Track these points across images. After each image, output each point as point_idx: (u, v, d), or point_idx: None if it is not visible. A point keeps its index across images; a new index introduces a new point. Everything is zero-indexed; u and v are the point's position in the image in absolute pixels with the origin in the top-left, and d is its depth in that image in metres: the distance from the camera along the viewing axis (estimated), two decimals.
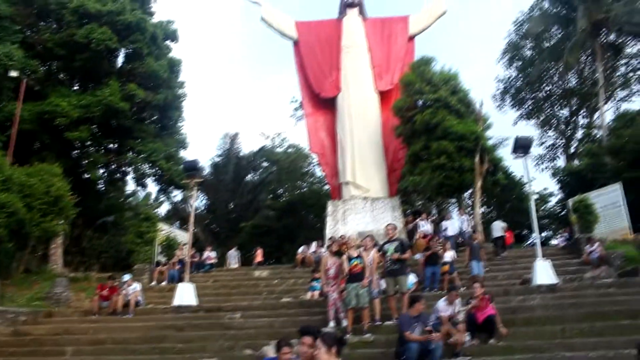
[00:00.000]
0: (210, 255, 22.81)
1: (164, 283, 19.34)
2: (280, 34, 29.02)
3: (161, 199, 39.04)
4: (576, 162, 32.22)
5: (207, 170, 37.63)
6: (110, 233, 24.76)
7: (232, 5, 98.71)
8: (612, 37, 31.47)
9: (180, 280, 17.20)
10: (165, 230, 24.40)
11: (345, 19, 28.57)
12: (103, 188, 27.17)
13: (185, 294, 15.40)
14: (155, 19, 26.27)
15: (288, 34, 28.93)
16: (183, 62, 27.29)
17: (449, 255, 15.50)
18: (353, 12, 28.65)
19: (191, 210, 18.86)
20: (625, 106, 34.13)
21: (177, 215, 38.41)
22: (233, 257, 25.05)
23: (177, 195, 36.30)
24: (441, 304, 10.17)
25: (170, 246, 22.86)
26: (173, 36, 26.85)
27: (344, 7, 28.89)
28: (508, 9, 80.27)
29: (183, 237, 24.58)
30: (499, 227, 20.76)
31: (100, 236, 24.31)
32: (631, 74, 34.37)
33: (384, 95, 27.35)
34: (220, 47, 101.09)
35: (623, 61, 34.12)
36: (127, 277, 16.05)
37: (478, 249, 15.58)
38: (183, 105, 27.58)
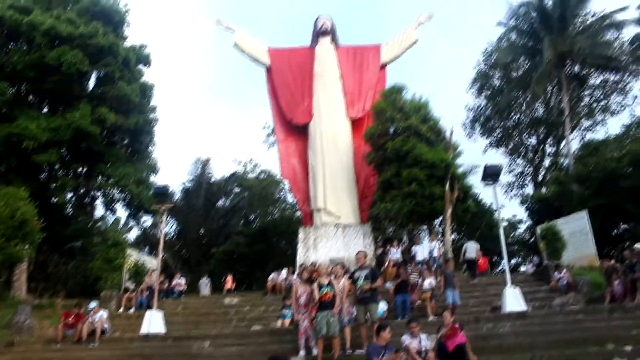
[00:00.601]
0: (179, 281, 22.45)
1: (131, 310, 18.93)
2: (253, 60, 29.14)
3: (131, 224, 38.47)
4: (544, 189, 32.80)
5: (178, 195, 37.33)
6: (78, 259, 24.24)
7: (205, 30, 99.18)
8: (576, 68, 32.39)
9: (149, 307, 16.89)
10: (134, 256, 24.00)
11: (317, 46, 28.86)
12: (71, 212, 26.70)
13: (154, 322, 15.11)
14: (128, 43, 26.20)
15: (261, 61, 29.07)
16: (155, 87, 27.22)
17: (428, 282, 15.48)
18: (325, 40, 28.97)
19: (161, 236, 18.61)
20: (590, 135, 35.08)
21: (147, 241, 37.84)
22: (205, 285, 24.75)
23: (147, 220, 35.86)
24: (405, 336, 10.12)
25: (139, 272, 22.45)
26: (146, 60, 26.74)
27: (317, 35, 29.20)
28: (478, 37, 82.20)
29: (152, 263, 24.20)
30: (473, 249, 20.95)
31: (66, 262, 23.76)
32: (595, 105, 35.31)
33: (355, 123, 27.57)
34: (193, 72, 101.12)
35: (587, 92, 35.08)
36: (93, 304, 15.71)
37: (452, 277, 15.55)
38: (154, 130, 27.41)
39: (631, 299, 13.36)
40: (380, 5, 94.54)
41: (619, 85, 33.99)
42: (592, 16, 32.37)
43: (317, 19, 29.55)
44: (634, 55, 32.35)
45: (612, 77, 33.71)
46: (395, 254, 20.59)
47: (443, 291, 15.35)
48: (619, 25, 30.59)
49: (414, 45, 29.06)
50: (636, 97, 33.67)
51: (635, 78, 33.33)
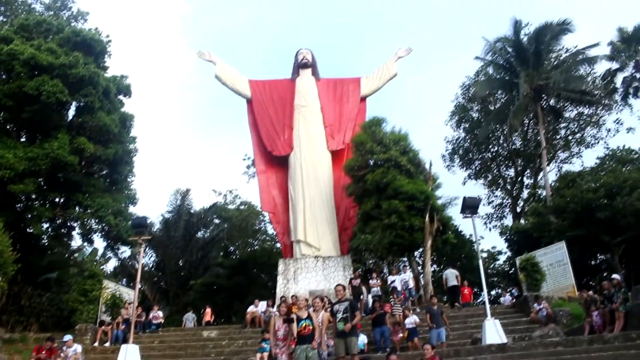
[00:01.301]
0: (157, 314, 22.05)
1: (107, 344, 18.57)
2: (234, 91, 29.29)
3: (108, 256, 37.89)
4: (523, 221, 33.07)
5: (157, 226, 36.91)
6: (53, 290, 23.73)
7: (187, 62, 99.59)
8: (552, 101, 33.07)
9: (125, 341, 16.56)
10: (111, 287, 23.57)
11: (298, 79, 29.12)
12: (47, 243, 26.22)
13: (130, 356, 14.76)
14: (109, 73, 26.21)
15: (242, 92, 29.23)
16: (135, 117, 27.17)
17: (411, 320, 15.30)
18: (306, 73, 29.27)
19: (138, 268, 18.33)
20: (566, 167, 35.65)
21: (125, 272, 37.20)
22: (190, 321, 24.40)
23: (125, 251, 35.34)
24: None
25: (115, 305, 21.99)
26: (126, 91, 26.74)
27: (298, 68, 29.51)
28: (457, 71, 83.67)
29: (130, 294, 23.76)
30: (453, 276, 20.96)
31: (41, 294, 23.21)
32: (571, 137, 35.99)
33: (336, 155, 27.73)
34: (174, 102, 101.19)
35: (563, 124, 35.78)
36: (67, 337, 15.34)
37: (439, 315, 15.23)
38: (134, 161, 27.30)
39: (610, 330, 13.42)
40: (360, 38, 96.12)
41: (593, 119, 34.81)
42: (566, 52, 33.36)
43: (297, 52, 29.92)
44: (606, 89, 33.25)
45: (586, 111, 34.51)
46: (375, 289, 20.56)
47: (429, 329, 15.09)
48: (592, 61, 31.44)
49: (393, 79, 29.49)
50: (609, 130, 34.45)
51: (608, 112, 34.21)
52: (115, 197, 25.34)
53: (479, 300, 29.18)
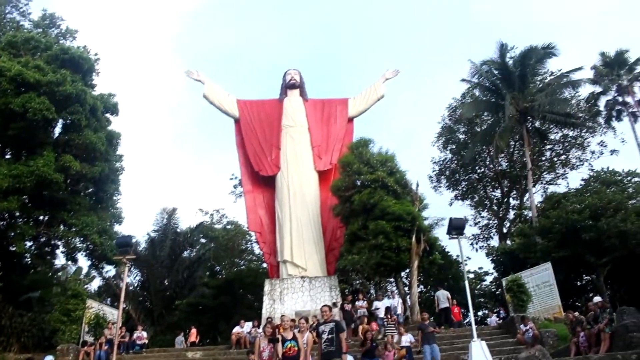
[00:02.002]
0: (141, 334, 21.78)
1: None
2: (222, 111, 29.35)
3: (93, 275, 37.44)
4: (509, 241, 33.18)
5: (142, 245, 36.59)
6: (34, 310, 23.32)
7: (176, 81, 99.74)
8: (537, 124, 33.43)
9: None
10: (94, 307, 23.25)
11: (286, 99, 29.25)
12: (29, 261, 25.86)
13: None
14: (96, 91, 26.14)
15: (230, 112, 29.29)
16: (122, 136, 27.07)
17: (406, 339, 15.20)
18: (294, 93, 29.42)
19: (122, 288, 18.12)
20: (552, 188, 35.92)
21: (110, 292, 36.75)
22: (179, 343, 24.15)
23: (109, 270, 34.95)
24: None
25: (99, 325, 21.68)
26: (113, 109, 26.66)
27: (286, 88, 29.64)
28: (445, 93, 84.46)
29: (114, 314, 23.44)
30: (444, 297, 20.96)
31: (22, 313, 22.79)
32: (556, 159, 36.34)
33: (323, 175, 27.76)
34: (162, 122, 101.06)
35: (548, 146, 36.15)
36: (48, 358, 15.11)
37: (430, 331, 15.19)
38: (120, 179, 27.15)
39: (595, 351, 13.45)
40: (348, 59, 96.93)
41: (578, 141, 35.20)
42: (551, 75, 33.86)
43: (285, 73, 30.08)
44: (590, 112, 33.74)
45: (571, 133, 34.91)
46: (361, 310, 20.54)
47: (421, 346, 14.97)
48: (575, 84, 31.97)
49: (380, 100, 29.70)
50: (594, 152, 34.85)
51: (592, 134, 34.64)
52: (100, 215, 25.14)
53: (465, 321, 29.09)
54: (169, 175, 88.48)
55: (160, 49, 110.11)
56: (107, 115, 26.56)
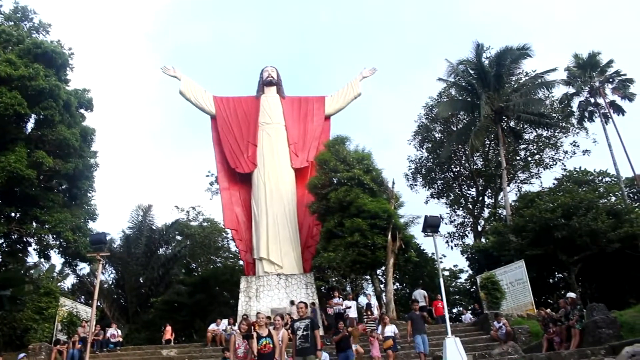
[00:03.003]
0: (115, 332, 21.56)
1: None
2: (199, 108, 29.19)
3: (66, 272, 36.92)
4: (483, 239, 33.52)
5: (117, 242, 36.19)
6: (6, 309, 22.95)
7: (152, 78, 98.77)
8: (512, 123, 33.81)
9: None
10: (68, 305, 22.96)
11: (263, 96, 29.17)
12: (1, 259, 25.46)
13: None
14: (70, 87, 25.79)
15: (206, 109, 29.12)
16: (97, 132, 26.77)
17: (390, 329, 15.22)
18: (271, 91, 29.36)
19: (96, 285, 17.91)
20: (526, 187, 36.36)
21: (84, 289, 36.27)
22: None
23: (84, 268, 34.51)
24: None
25: (72, 323, 21.44)
26: (88, 105, 26.37)
27: (263, 86, 29.57)
28: (422, 92, 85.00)
29: (88, 312, 23.18)
30: (421, 296, 21.09)
31: None
32: (530, 158, 36.78)
33: (299, 172, 27.76)
34: (138, 119, 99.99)
35: (523, 146, 36.56)
36: (20, 357, 14.87)
37: (421, 320, 15.24)
38: (94, 175, 26.89)
39: (566, 346, 13.68)
40: (326, 58, 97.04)
41: (551, 141, 35.66)
42: (526, 75, 34.24)
43: (263, 70, 30.01)
44: (563, 113, 34.24)
45: (545, 133, 35.38)
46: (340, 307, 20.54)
47: (413, 336, 14.87)
48: (549, 85, 32.38)
49: (357, 98, 29.81)
50: (567, 152, 35.37)
51: (565, 134, 35.14)
52: (74, 212, 24.85)
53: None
54: (144, 172, 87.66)
55: (136, 44, 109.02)
56: (82, 110, 26.29)
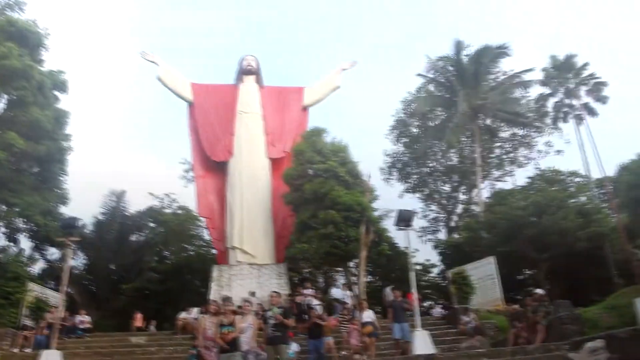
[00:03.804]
0: (84, 319, 21.32)
1: (28, 350, 17.71)
2: (176, 94, 28.91)
3: (36, 257, 36.33)
4: (456, 235, 33.88)
5: (89, 228, 35.72)
6: None
7: (130, 63, 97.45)
8: (488, 121, 34.16)
9: (48, 346, 15.89)
10: (36, 290, 22.60)
11: (241, 85, 29.02)
12: None
13: None
14: (45, 67, 25.28)
15: (183, 95, 28.85)
16: (72, 115, 26.31)
17: (368, 315, 15.26)
18: (250, 79, 29.20)
19: (65, 270, 17.70)
20: (499, 185, 36.78)
21: (53, 275, 35.71)
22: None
23: (54, 253, 34.00)
24: None
25: (40, 308, 21.10)
26: (62, 87, 25.86)
27: (241, 74, 29.39)
28: (401, 86, 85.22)
29: (57, 298, 22.85)
30: (391, 294, 21.25)
31: None
32: (504, 156, 37.22)
33: (276, 163, 27.72)
34: (113, 103, 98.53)
35: (498, 144, 36.96)
36: None
37: (401, 309, 15.33)
38: (67, 159, 26.36)
39: (532, 341, 13.94)
40: (306, 48, 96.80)
41: (526, 140, 36.13)
42: (503, 74, 34.54)
43: (242, 58, 29.82)
44: (538, 112, 34.71)
45: (520, 132, 35.82)
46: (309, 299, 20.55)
47: (391, 322, 15.02)
48: (526, 85, 32.85)
49: (335, 91, 29.81)
50: (540, 151, 35.87)
51: (539, 134, 35.63)
52: (45, 195, 24.45)
53: (410, 313, 29.55)
54: (119, 158, 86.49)
55: (114, 28, 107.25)
56: (56, 92, 25.75)
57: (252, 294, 21.59)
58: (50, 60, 26.97)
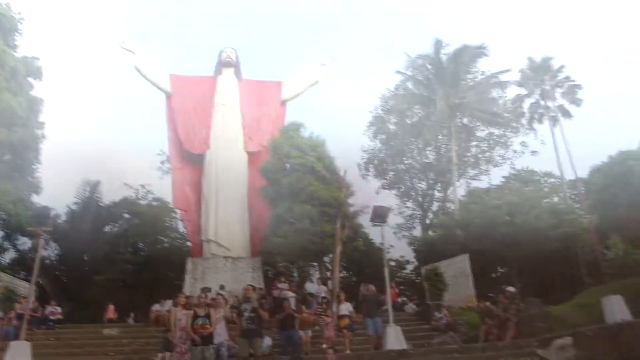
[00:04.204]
0: (54, 309, 21.00)
1: None
2: (154, 84, 28.58)
3: (6, 246, 35.70)
4: (431, 232, 34.13)
5: (62, 217, 35.20)
6: None
7: (107, 52, 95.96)
8: (465, 120, 34.44)
9: (16, 337, 15.62)
10: (6, 280, 22.23)
11: (220, 77, 28.83)
12: None
13: (19, 355, 13.90)
14: (19, 53, 24.82)
15: (161, 86, 28.54)
16: (46, 102, 25.88)
17: (345, 307, 15.27)
18: (229, 72, 29.01)
19: (36, 260, 17.40)
20: (474, 184, 37.12)
21: (24, 265, 35.14)
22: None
23: (25, 242, 33.44)
24: None
25: (9, 299, 20.76)
26: (37, 73, 25.46)
27: (220, 66, 29.19)
28: (380, 82, 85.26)
29: (27, 288, 22.49)
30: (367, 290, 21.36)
31: None
32: (480, 155, 37.56)
33: (253, 156, 27.57)
34: (89, 92, 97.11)
35: (474, 143, 37.28)
36: None
37: (375, 303, 15.37)
38: (40, 147, 25.96)
39: (502, 338, 14.15)
40: (286, 44, 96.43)
41: (502, 140, 36.51)
42: (481, 74, 34.86)
43: (222, 51, 29.62)
44: (515, 113, 35.10)
45: (496, 132, 36.18)
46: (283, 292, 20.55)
47: (363, 319, 15.06)
48: (503, 85, 33.22)
49: (314, 85, 29.77)
50: (516, 151, 36.28)
51: (515, 134, 36.02)
52: (16, 184, 24.06)
53: (384, 307, 29.73)
54: (94, 147, 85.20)
55: (92, 16, 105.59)
56: (30, 79, 25.31)
57: (222, 287, 21.49)
58: (25, 46, 26.50)
